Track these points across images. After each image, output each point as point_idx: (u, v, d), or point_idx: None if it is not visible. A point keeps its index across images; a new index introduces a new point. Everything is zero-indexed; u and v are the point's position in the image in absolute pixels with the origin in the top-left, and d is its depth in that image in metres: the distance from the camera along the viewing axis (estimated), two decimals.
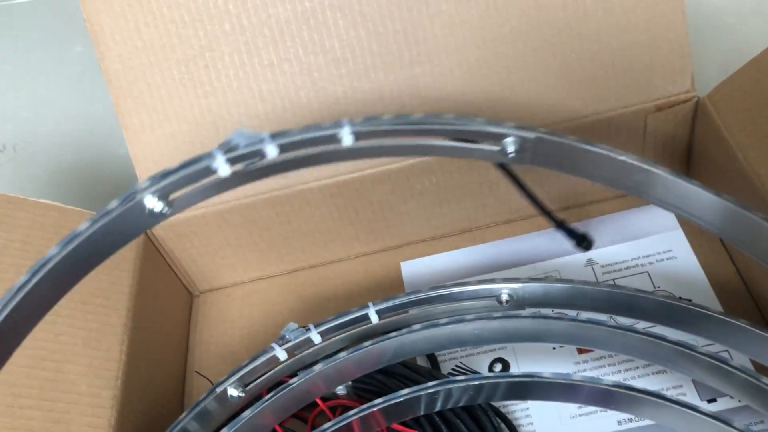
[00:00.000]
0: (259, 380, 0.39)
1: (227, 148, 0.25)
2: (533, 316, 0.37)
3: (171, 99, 0.43)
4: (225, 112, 0.43)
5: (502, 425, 0.38)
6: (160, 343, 0.44)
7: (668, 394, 0.35)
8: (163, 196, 0.26)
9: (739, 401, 0.37)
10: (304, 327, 0.40)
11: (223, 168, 0.25)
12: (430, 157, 0.44)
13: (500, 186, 0.47)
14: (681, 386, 0.39)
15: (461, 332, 0.38)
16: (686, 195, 0.29)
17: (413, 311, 0.41)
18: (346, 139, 0.26)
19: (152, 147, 0.44)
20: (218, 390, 0.38)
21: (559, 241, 0.47)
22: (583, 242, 0.45)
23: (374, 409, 0.36)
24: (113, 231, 0.25)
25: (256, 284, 0.51)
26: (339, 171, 0.44)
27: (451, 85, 0.42)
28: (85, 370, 0.37)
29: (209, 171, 0.25)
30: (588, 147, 0.28)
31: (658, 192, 0.29)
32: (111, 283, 0.41)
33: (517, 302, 0.39)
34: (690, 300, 0.40)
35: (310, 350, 0.40)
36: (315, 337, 0.40)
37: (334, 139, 0.26)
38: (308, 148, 0.26)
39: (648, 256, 0.45)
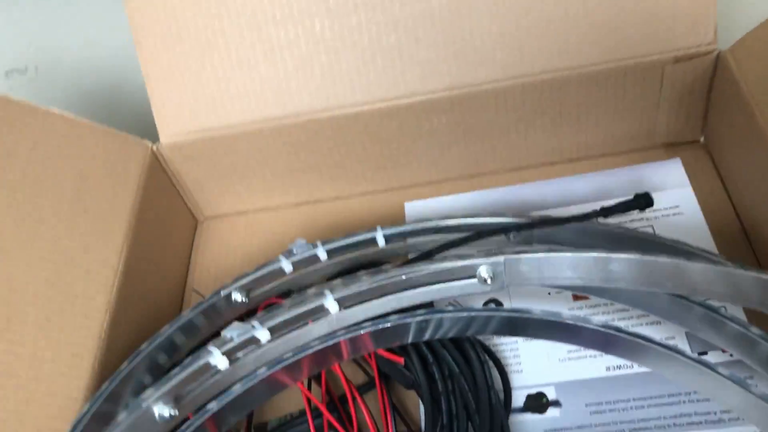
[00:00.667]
0: (262, 289, 0.40)
1: None
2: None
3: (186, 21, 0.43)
4: (237, 34, 0.43)
5: (489, 362, 0.38)
6: (160, 260, 0.45)
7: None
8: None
9: (731, 355, 0.37)
10: (312, 243, 0.41)
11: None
12: (441, 94, 0.43)
13: (511, 131, 0.46)
14: (674, 338, 0.39)
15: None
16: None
17: (420, 239, 0.41)
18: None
19: (165, 69, 0.44)
20: (223, 293, 0.39)
21: (566, 191, 0.46)
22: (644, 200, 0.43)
23: (363, 332, 0.36)
24: None
25: (260, 214, 0.51)
26: (347, 102, 0.44)
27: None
28: (82, 275, 0.38)
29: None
30: None
31: None
32: (114, 195, 0.42)
33: (525, 239, 0.39)
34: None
35: (316, 266, 0.41)
36: (321, 254, 0.40)
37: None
38: None
39: (655, 211, 0.44)
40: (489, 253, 0.34)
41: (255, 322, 0.34)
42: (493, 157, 0.48)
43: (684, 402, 0.36)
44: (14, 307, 0.34)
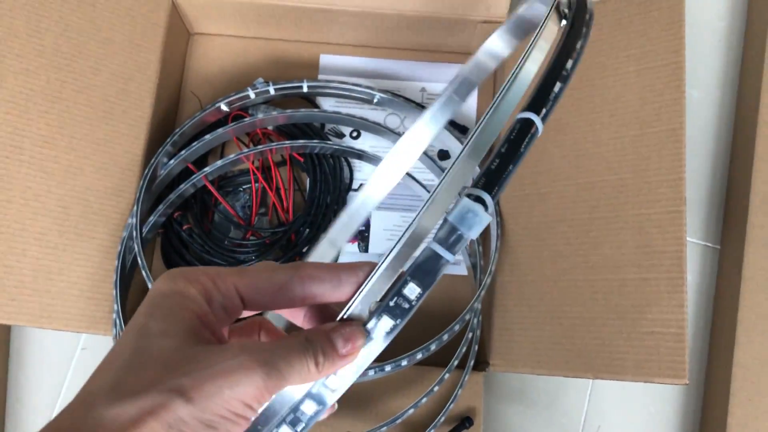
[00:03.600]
0: (236, 105, 0.74)
1: None
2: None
3: None
4: None
5: (346, 168, 0.77)
6: (171, 70, 0.77)
7: None
8: None
9: None
10: (266, 82, 0.74)
11: None
12: None
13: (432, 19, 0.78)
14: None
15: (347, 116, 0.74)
16: None
17: (326, 90, 0.75)
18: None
19: None
20: (216, 105, 0.73)
21: (410, 72, 0.80)
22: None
23: (285, 146, 0.73)
24: None
25: (231, 39, 0.81)
26: None
27: None
28: (126, 93, 0.70)
29: None
30: None
31: None
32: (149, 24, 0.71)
33: (381, 103, 0.75)
34: None
35: (267, 96, 0.75)
36: (271, 90, 0.74)
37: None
38: None
39: None
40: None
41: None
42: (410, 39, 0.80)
43: None
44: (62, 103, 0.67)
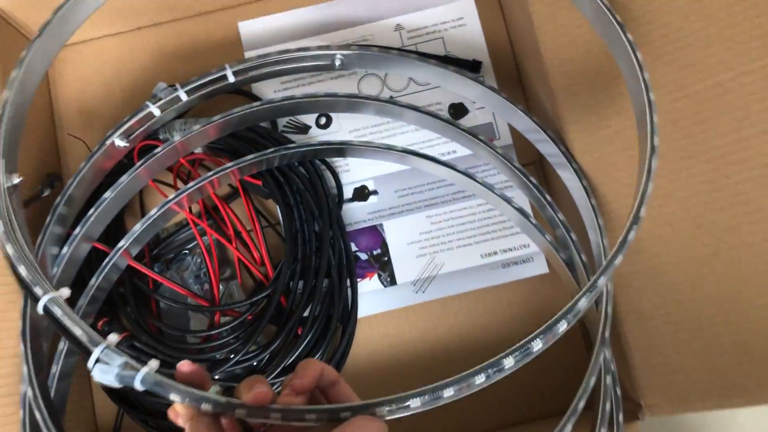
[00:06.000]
0: (138, 131, 0.48)
1: None
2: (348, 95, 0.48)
3: None
4: None
5: (327, 172, 0.51)
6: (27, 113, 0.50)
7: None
8: None
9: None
10: (171, 86, 0.48)
11: None
12: None
13: None
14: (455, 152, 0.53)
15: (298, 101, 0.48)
16: None
17: (263, 70, 0.50)
18: None
19: None
20: (108, 142, 0.47)
21: (373, 7, 0.55)
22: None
23: (229, 170, 0.47)
24: None
25: (105, 41, 0.55)
26: None
27: None
28: None
29: None
30: None
31: None
32: None
33: (346, 65, 0.49)
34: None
35: (179, 105, 0.49)
36: (182, 95, 0.48)
37: None
38: None
39: (444, 23, 0.55)
40: None
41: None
42: None
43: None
44: None
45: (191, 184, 0.47)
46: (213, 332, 0.47)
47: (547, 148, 0.46)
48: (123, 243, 0.46)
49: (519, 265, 0.51)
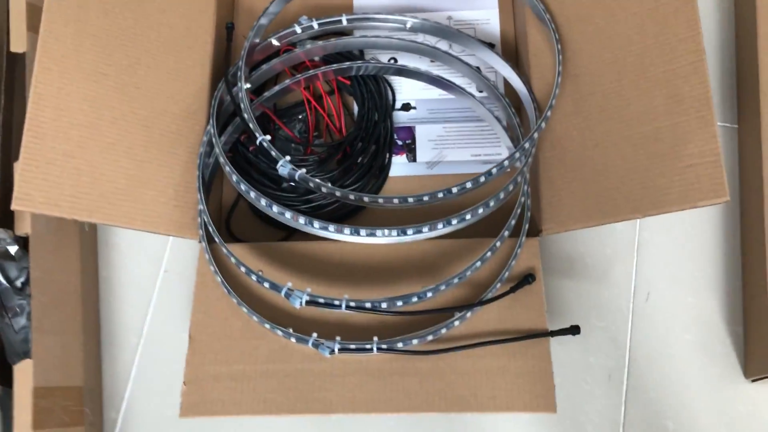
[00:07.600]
0: (286, 39, 0.82)
1: None
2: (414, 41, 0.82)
3: None
4: None
5: (388, 87, 0.84)
6: (224, 13, 0.85)
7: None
8: None
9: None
10: (310, 18, 0.82)
11: None
12: None
13: None
14: (471, 83, 0.85)
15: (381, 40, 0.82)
16: None
17: (364, 23, 0.83)
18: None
19: None
20: (268, 40, 0.81)
21: (434, 4, 0.89)
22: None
23: (330, 69, 0.80)
24: None
25: None
26: None
27: None
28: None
29: None
30: None
31: None
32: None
33: (415, 29, 0.83)
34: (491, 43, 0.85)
35: (311, 30, 0.82)
36: (315, 25, 0.81)
37: None
38: None
39: (477, 20, 0.88)
40: None
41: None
42: None
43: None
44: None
45: (308, 72, 0.80)
46: (304, 157, 0.79)
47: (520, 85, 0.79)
48: (266, 94, 0.79)
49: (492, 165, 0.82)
